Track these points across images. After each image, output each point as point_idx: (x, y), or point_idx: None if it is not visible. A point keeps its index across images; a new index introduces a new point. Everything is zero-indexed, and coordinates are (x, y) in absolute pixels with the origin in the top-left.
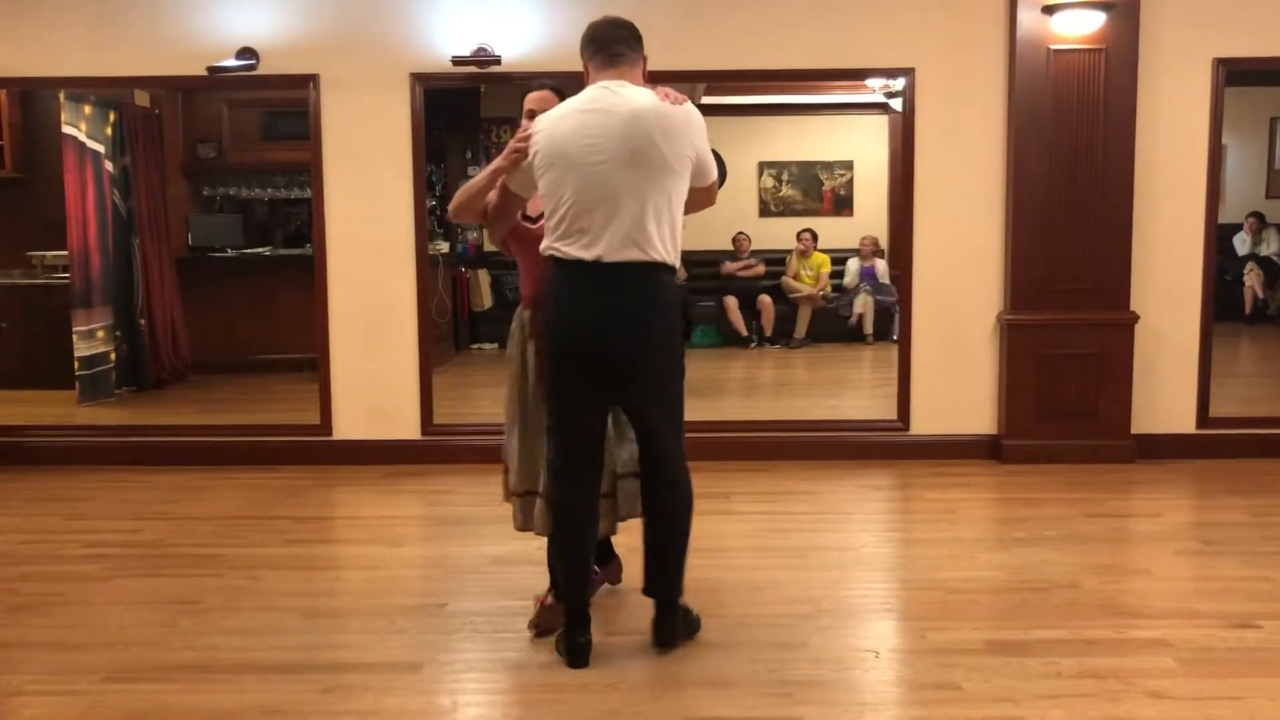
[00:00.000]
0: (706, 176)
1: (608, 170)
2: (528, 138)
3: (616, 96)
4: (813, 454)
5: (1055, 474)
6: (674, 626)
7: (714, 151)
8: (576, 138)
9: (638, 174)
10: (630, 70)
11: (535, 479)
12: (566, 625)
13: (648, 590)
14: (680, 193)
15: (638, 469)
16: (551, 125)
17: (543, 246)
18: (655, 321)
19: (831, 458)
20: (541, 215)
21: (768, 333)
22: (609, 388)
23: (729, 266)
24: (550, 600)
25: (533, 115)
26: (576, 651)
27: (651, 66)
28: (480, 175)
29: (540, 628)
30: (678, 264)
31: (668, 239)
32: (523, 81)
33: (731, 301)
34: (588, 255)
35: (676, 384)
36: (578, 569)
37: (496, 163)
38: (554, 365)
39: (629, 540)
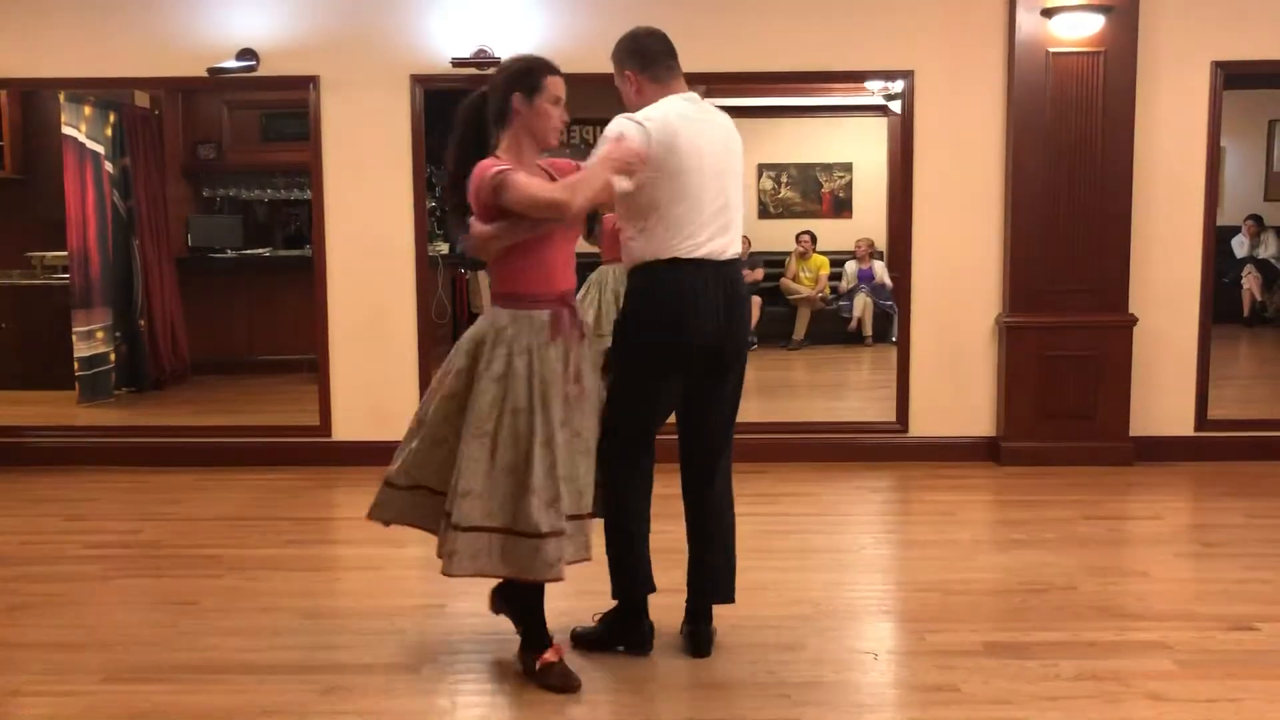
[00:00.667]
0: None
1: (723, 175)
2: (622, 144)
3: (704, 108)
4: (812, 455)
5: (1054, 476)
6: (711, 633)
7: None
8: (703, 143)
9: (735, 178)
10: (681, 81)
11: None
12: (632, 621)
13: (706, 598)
14: None
15: None
16: (665, 129)
17: (641, 250)
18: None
19: (831, 459)
20: None
21: (752, 325)
22: (703, 383)
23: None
24: (552, 657)
25: (558, 102)
26: (647, 640)
27: None
28: (582, 184)
29: (551, 682)
30: None
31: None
32: None
33: None
34: (710, 255)
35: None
36: (644, 564)
37: (608, 174)
38: (650, 368)
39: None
